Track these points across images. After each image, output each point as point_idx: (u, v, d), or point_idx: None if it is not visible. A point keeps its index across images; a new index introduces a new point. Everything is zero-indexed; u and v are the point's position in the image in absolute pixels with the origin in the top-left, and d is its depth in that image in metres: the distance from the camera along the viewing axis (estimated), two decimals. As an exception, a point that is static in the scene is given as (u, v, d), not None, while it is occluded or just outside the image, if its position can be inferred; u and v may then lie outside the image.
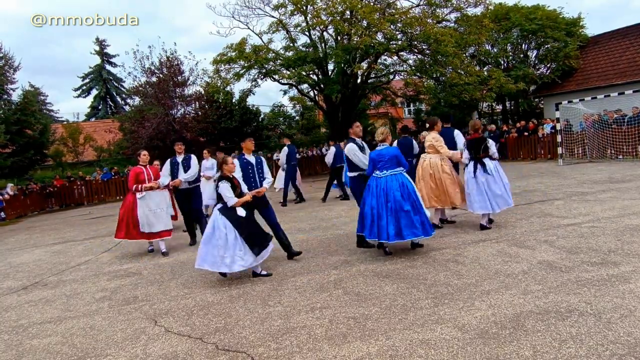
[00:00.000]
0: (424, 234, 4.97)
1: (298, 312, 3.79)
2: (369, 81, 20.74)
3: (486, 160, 5.94)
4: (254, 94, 22.39)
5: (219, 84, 18.17)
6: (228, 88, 18.82)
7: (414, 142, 7.31)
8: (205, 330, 3.62)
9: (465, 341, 2.95)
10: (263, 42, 18.88)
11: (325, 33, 18.95)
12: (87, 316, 4.26)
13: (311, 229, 7.45)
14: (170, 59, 20.23)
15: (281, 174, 11.42)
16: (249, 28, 19.92)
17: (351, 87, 19.64)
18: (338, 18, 16.76)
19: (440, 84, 19.43)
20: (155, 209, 6.51)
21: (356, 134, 5.83)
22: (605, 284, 3.67)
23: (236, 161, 5.32)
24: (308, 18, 17.78)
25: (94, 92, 42.59)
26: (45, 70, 56.38)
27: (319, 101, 22.69)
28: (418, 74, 19.30)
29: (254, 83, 19.40)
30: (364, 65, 18.87)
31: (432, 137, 6.35)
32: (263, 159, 5.75)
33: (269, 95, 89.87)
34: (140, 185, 6.46)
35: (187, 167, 6.84)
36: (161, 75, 20.04)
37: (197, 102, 21.68)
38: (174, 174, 6.82)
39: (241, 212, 4.77)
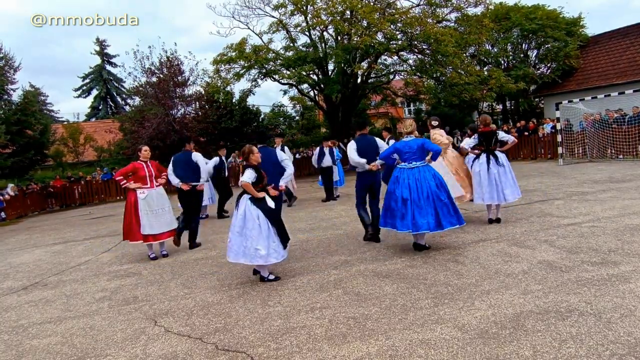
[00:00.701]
0: (458, 223, 5.04)
1: (298, 312, 3.78)
2: (369, 81, 20.74)
3: (498, 153, 6.31)
4: (254, 94, 22.41)
5: (219, 84, 18.18)
6: (228, 88, 18.84)
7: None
8: (205, 330, 3.62)
9: (465, 341, 2.95)
10: (263, 42, 18.91)
11: (325, 33, 18.96)
12: (87, 316, 4.26)
13: (311, 229, 7.44)
14: (170, 59, 20.21)
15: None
16: (249, 28, 19.97)
17: (351, 87, 19.65)
18: (338, 18, 16.76)
19: (440, 84, 19.43)
20: (157, 209, 6.31)
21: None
22: (605, 283, 3.66)
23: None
24: (308, 18, 17.77)
25: (94, 92, 42.73)
26: (46, 70, 56.54)
27: (319, 101, 22.70)
28: (418, 73, 19.31)
29: (254, 83, 19.45)
30: (364, 65, 18.87)
31: (437, 133, 6.62)
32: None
33: (269, 95, 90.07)
34: (129, 183, 6.23)
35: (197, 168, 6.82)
36: (161, 76, 20.01)
37: (197, 102, 21.65)
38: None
39: (271, 203, 4.63)
